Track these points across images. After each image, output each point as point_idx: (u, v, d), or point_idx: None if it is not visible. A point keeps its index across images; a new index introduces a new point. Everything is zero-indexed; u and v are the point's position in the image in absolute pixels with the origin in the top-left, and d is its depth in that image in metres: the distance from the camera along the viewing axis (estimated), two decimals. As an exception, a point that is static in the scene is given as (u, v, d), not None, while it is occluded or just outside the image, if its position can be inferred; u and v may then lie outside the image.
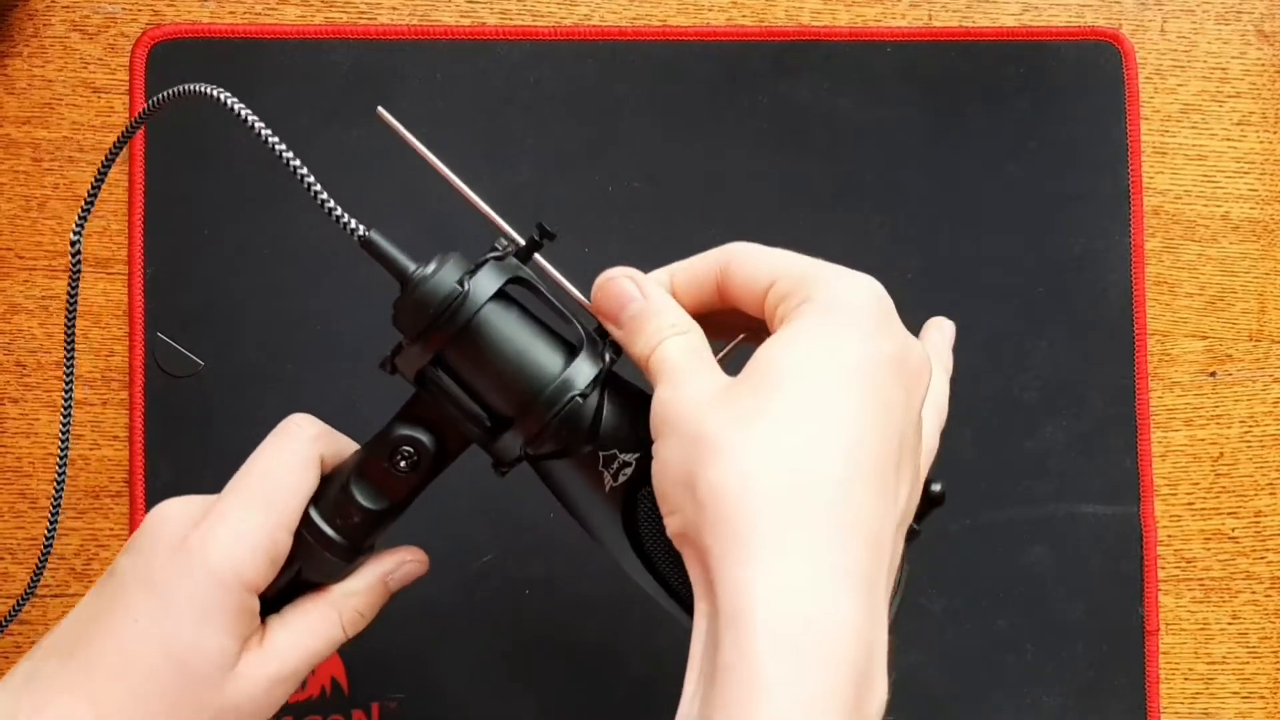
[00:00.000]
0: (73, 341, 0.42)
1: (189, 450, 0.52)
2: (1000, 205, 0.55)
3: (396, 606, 0.52)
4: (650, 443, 0.34)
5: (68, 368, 0.43)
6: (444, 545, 0.52)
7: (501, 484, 0.53)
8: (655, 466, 0.33)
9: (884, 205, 0.54)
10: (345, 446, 0.41)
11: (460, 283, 0.37)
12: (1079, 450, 0.54)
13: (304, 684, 0.52)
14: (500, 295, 0.37)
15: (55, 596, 0.52)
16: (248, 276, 0.53)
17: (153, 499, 0.51)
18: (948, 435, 0.53)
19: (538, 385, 0.37)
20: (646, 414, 0.35)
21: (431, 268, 0.37)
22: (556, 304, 0.38)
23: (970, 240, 0.54)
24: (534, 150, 0.54)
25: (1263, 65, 0.56)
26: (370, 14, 0.54)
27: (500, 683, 0.52)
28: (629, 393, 0.38)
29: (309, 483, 0.39)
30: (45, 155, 0.53)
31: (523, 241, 0.38)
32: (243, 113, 0.39)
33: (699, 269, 0.36)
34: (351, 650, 0.52)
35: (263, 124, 0.38)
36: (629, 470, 0.37)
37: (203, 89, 0.39)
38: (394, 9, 0.54)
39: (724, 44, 0.54)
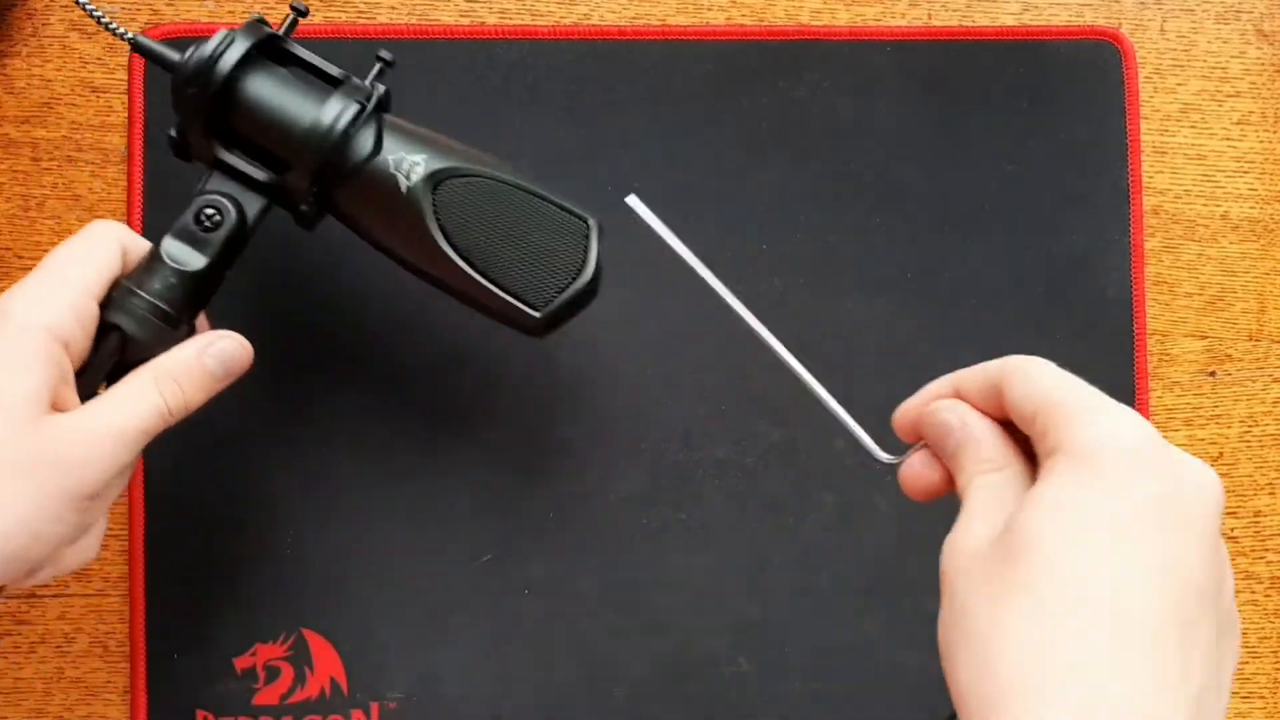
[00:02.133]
0: None
1: (186, 443, 0.52)
2: (1000, 205, 0.55)
3: (397, 606, 0.52)
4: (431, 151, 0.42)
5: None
6: (444, 545, 0.53)
7: (502, 483, 0.53)
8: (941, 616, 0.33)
9: (883, 205, 0.54)
10: (140, 246, 0.43)
11: (217, 45, 0.41)
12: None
13: (304, 683, 0.52)
14: (260, 62, 0.43)
15: (55, 597, 0.52)
16: (246, 273, 0.53)
17: (151, 493, 0.51)
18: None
19: (310, 118, 0.41)
20: (424, 133, 0.43)
21: (192, 47, 0.42)
22: (318, 60, 0.44)
23: (969, 240, 0.54)
24: (533, 150, 0.53)
25: (1262, 65, 0.56)
26: (369, 13, 0.54)
27: (500, 683, 0.52)
28: (404, 124, 0.43)
29: (109, 257, 0.41)
30: (44, 155, 0.53)
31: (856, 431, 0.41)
32: None
33: (980, 383, 0.35)
34: (351, 650, 0.52)
35: None
36: (419, 167, 0.42)
37: None
38: (393, 8, 0.54)
39: (723, 43, 0.54)
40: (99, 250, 0.41)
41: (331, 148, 0.41)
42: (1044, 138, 0.55)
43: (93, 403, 0.39)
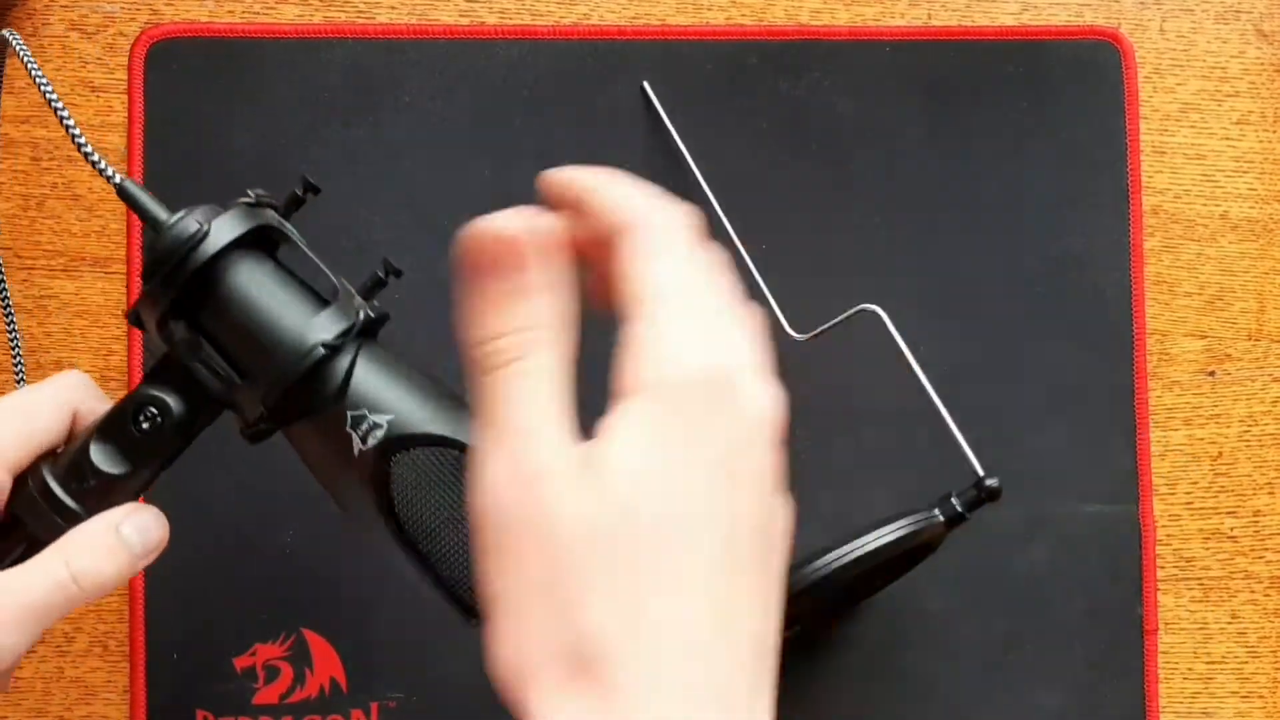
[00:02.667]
0: None
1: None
2: (999, 204, 0.55)
3: (397, 606, 0.52)
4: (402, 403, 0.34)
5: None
6: (443, 545, 0.53)
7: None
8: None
9: (882, 204, 0.54)
10: (101, 403, 0.39)
11: (200, 227, 0.35)
12: (1078, 449, 0.54)
13: (303, 683, 0.52)
14: (249, 246, 0.36)
15: (54, 596, 0.52)
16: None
17: (149, 498, 0.51)
18: (948, 435, 0.53)
19: (278, 337, 0.35)
20: (404, 378, 0.35)
21: (181, 214, 0.36)
22: (316, 259, 0.37)
23: (969, 239, 0.54)
24: (533, 149, 0.53)
25: (1262, 64, 0.56)
26: (369, 13, 0.54)
27: (500, 682, 0.52)
28: (385, 358, 0.37)
29: (47, 427, 0.37)
30: (44, 154, 0.53)
31: None
32: (20, 51, 0.39)
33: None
34: (351, 650, 0.52)
35: (35, 65, 0.39)
36: (380, 432, 0.35)
37: None
38: (393, 8, 0.54)
39: (723, 43, 0.54)
40: (37, 416, 0.37)
41: (298, 377, 0.35)
42: (1043, 138, 0.55)
43: None
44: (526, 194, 0.54)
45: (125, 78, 0.53)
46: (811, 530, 0.55)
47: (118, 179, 0.38)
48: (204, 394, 0.37)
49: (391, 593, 0.52)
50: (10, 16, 0.53)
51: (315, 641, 0.52)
